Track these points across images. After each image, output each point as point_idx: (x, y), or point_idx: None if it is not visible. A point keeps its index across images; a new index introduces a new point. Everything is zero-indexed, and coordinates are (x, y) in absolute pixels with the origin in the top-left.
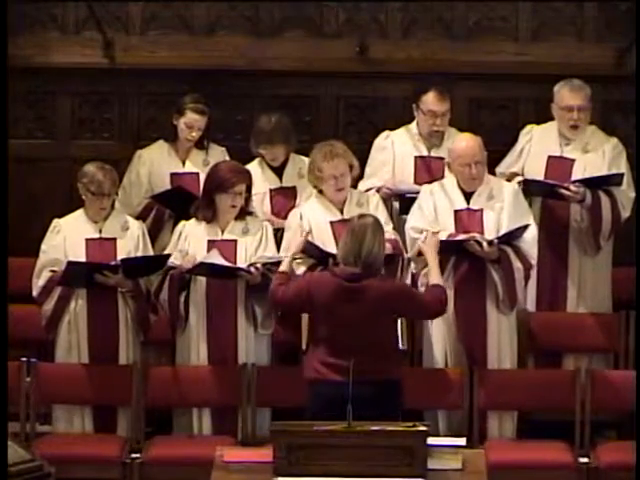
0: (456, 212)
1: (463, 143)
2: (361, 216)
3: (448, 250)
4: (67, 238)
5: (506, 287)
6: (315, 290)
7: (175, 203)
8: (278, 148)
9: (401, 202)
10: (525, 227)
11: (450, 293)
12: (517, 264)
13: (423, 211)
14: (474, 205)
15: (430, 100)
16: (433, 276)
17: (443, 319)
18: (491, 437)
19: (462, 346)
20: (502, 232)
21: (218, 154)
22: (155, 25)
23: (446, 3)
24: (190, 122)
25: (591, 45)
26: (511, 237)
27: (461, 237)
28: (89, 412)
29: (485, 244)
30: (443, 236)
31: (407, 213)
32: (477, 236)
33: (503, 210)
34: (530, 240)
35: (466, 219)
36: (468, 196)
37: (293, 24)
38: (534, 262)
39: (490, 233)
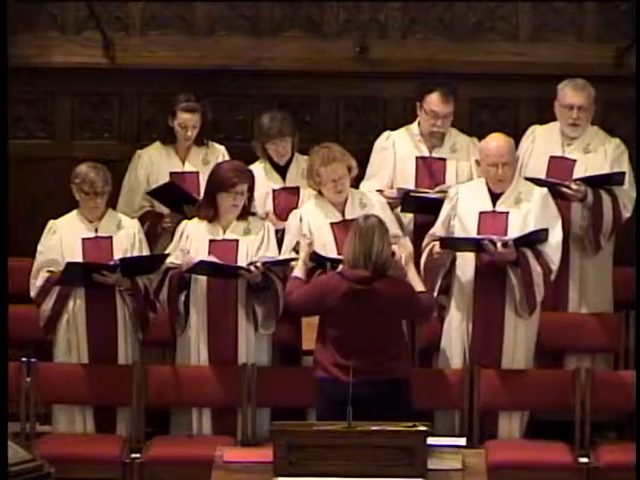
0: (481, 214)
1: (493, 143)
2: (366, 217)
3: (465, 247)
4: (63, 238)
5: (524, 291)
6: (325, 293)
7: (170, 200)
8: (288, 141)
9: (403, 200)
10: (543, 231)
11: (470, 294)
12: (537, 268)
13: (440, 217)
14: (500, 207)
15: (434, 101)
16: (417, 283)
17: (463, 319)
18: (501, 437)
19: (476, 347)
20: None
21: (218, 153)
22: (155, 25)
23: (446, 3)
24: (183, 122)
25: (591, 45)
26: (530, 240)
27: (477, 237)
28: (90, 412)
29: (499, 245)
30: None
31: (408, 211)
32: (493, 237)
33: (530, 214)
34: (554, 245)
35: (490, 221)
36: (496, 198)
37: (293, 24)
38: (555, 267)
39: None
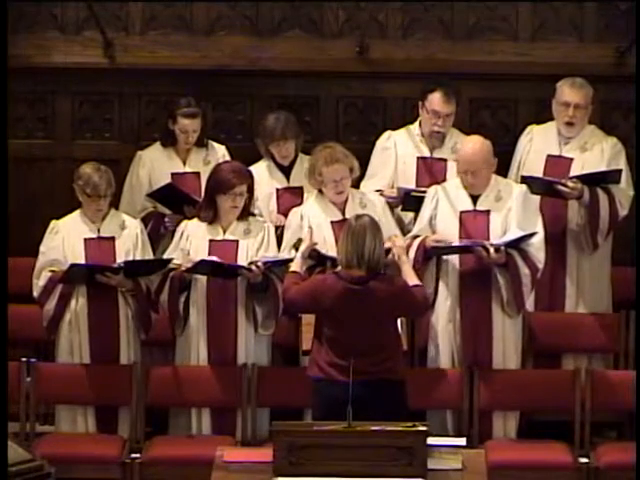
0: (462, 213)
1: (467, 148)
2: (357, 217)
3: (453, 254)
4: (65, 239)
5: (513, 291)
6: (321, 293)
7: (170, 201)
8: (291, 143)
9: (403, 200)
10: (531, 235)
11: (456, 294)
12: (524, 270)
13: (421, 220)
14: (481, 206)
15: (435, 100)
16: (411, 278)
17: (450, 320)
18: (496, 437)
19: (467, 347)
20: (508, 236)
21: (218, 153)
22: (155, 25)
23: (446, 3)
24: (183, 127)
25: (591, 45)
26: (518, 242)
27: (468, 243)
28: (92, 412)
29: (492, 250)
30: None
31: (409, 210)
32: (485, 242)
33: (511, 211)
34: (537, 243)
35: (472, 221)
36: (475, 196)
37: (293, 24)
38: (541, 266)
39: (496, 235)
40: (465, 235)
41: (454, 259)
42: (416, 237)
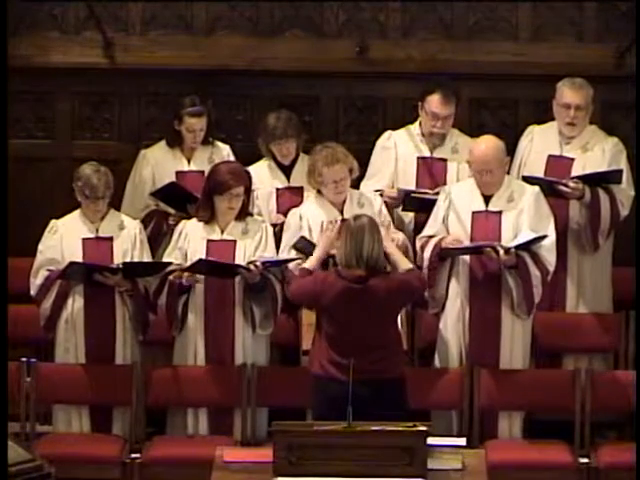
0: (474, 213)
1: (481, 148)
2: (356, 217)
3: (464, 254)
4: (64, 238)
5: (523, 293)
6: (321, 290)
7: (173, 200)
8: (292, 142)
9: (404, 199)
10: (543, 237)
11: (467, 293)
12: (535, 272)
13: (436, 220)
14: (493, 207)
15: (434, 102)
16: (404, 263)
17: (459, 319)
18: (501, 437)
19: (474, 347)
20: (520, 237)
21: (223, 151)
22: (155, 25)
23: (446, 3)
24: (190, 126)
25: (591, 45)
26: (529, 244)
27: (479, 243)
28: (87, 412)
29: (502, 252)
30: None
31: (409, 210)
32: (495, 244)
33: (523, 213)
34: (549, 246)
35: (483, 221)
36: (488, 197)
37: (293, 24)
38: (552, 268)
39: (508, 236)
40: (476, 235)
41: (465, 259)
42: (431, 237)
